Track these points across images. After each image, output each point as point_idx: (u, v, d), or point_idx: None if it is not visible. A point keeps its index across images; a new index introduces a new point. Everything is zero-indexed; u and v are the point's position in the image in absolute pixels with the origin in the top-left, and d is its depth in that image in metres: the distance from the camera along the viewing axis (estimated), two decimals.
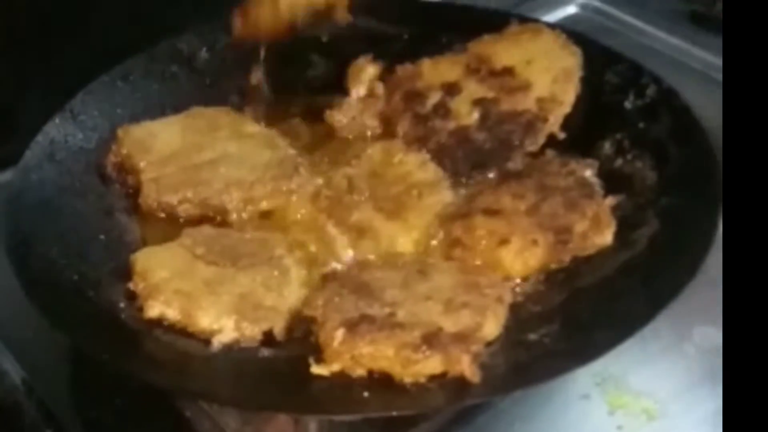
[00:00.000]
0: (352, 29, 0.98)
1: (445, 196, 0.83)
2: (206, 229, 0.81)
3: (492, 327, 0.69)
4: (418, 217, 0.81)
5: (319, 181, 0.85)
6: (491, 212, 0.78)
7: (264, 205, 0.84)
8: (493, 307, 0.70)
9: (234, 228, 0.82)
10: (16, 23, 0.98)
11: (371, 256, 0.79)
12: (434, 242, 0.80)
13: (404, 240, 0.80)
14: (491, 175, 0.84)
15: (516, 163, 0.85)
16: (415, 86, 0.91)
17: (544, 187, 0.80)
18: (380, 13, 1.00)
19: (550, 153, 0.85)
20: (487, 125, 0.87)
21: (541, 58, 0.91)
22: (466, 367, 0.65)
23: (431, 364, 0.66)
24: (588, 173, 0.82)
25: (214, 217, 0.83)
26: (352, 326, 0.68)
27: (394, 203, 0.82)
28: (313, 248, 0.81)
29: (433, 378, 0.66)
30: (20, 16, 0.98)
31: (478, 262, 0.76)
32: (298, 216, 0.83)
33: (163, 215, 0.84)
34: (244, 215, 0.83)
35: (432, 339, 0.67)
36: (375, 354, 0.67)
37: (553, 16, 1.21)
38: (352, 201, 0.83)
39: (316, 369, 0.68)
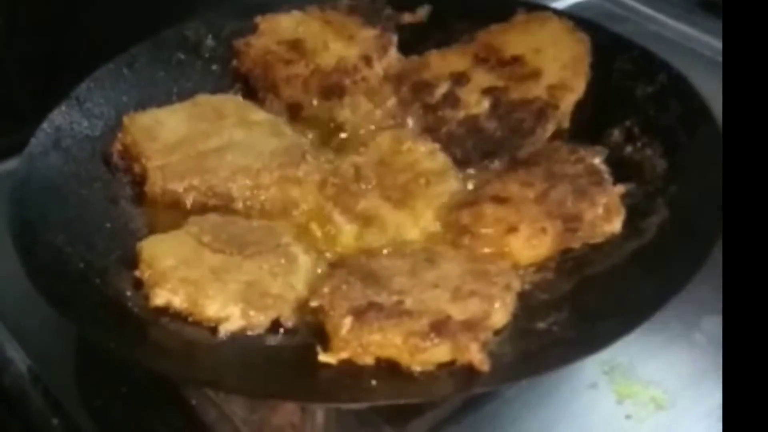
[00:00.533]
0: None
1: (452, 185, 0.82)
2: (212, 217, 0.80)
3: (500, 315, 0.69)
4: (425, 205, 0.81)
5: (327, 168, 0.85)
6: (500, 200, 0.78)
7: (271, 192, 0.83)
8: (501, 296, 0.70)
9: (240, 216, 0.82)
10: (22, 12, 0.98)
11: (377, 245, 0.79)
12: (442, 230, 0.79)
13: (411, 228, 0.80)
14: (501, 163, 0.84)
15: (526, 151, 0.84)
16: (423, 77, 0.91)
17: (553, 174, 0.79)
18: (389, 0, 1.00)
19: (558, 140, 0.85)
20: (497, 114, 0.87)
21: (550, 46, 0.90)
22: (474, 355, 0.65)
23: (440, 352, 0.66)
24: (597, 161, 0.81)
25: (220, 205, 0.83)
26: (360, 314, 0.68)
27: (402, 192, 0.82)
28: (319, 236, 0.80)
29: (441, 366, 0.66)
30: (24, 4, 0.98)
31: (486, 250, 0.76)
32: (305, 204, 0.83)
33: (169, 203, 0.83)
34: (251, 203, 0.83)
35: (440, 327, 0.66)
36: (383, 342, 0.66)
37: (563, 2, 1.20)
38: (359, 189, 0.83)
39: (324, 357, 0.67)
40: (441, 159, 0.84)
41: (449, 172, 0.83)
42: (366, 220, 0.81)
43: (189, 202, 0.83)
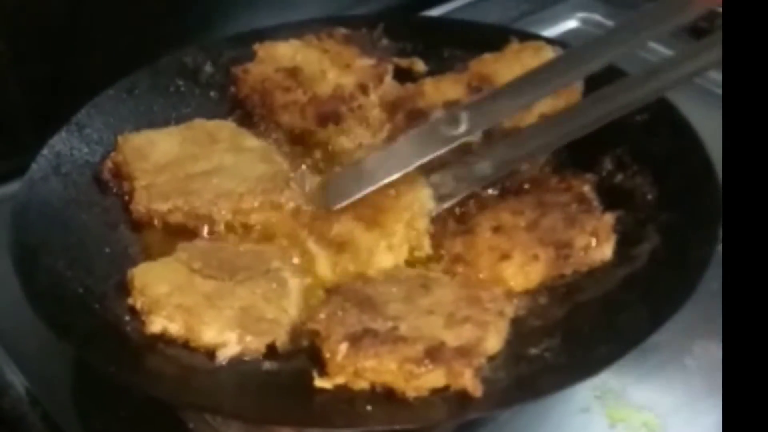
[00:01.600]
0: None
1: (423, 195, 0.82)
2: (200, 243, 0.81)
3: (494, 341, 0.70)
4: (395, 220, 0.81)
5: (304, 194, 0.85)
6: (492, 228, 0.79)
7: (252, 217, 0.84)
8: (494, 322, 0.70)
9: (222, 239, 0.82)
10: (23, 39, 0.99)
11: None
12: (418, 253, 0.80)
13: (384, 252, 0.79)
14: (494, 191, 0.85)
15: (520, 178, 0.85)
16: (418, 105, 0.92)
17: (543, 203, 0.80)
18: (381, 27, 1.02)
19: (547, 169, 0.86)
20: (491, 141, 0.88)
21: None
22: (468, 381, 0.66)
23: (433, 378, 0.67)
24: (586, 188, 0.82)
25: (202, 228, 0.83)
26: (356, 340, 0.68)
27: (372, 208, 0.81)
28: (298, 263, 0.80)
29: (435, 391, 0.67)
30: (26, 31, 0.99)
31: (480, 277, 0.76)
32: (283, 231, 0.83)
33: (156, 224, 0.84)
34: (233, 227, 0.83)
35: (434, 353, 0.67)
36: (378, 368, 0.67)
37: (555, 30, 1.21)
38: (332, 213, 0.83)
39: (320, 382, 0.68)
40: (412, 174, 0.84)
41: (418, 179, 0.83)
42: (339, 246, 0.80)
43: (172, 222, 0.83)
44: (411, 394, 0.67)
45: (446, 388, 0.67)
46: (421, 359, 0.67)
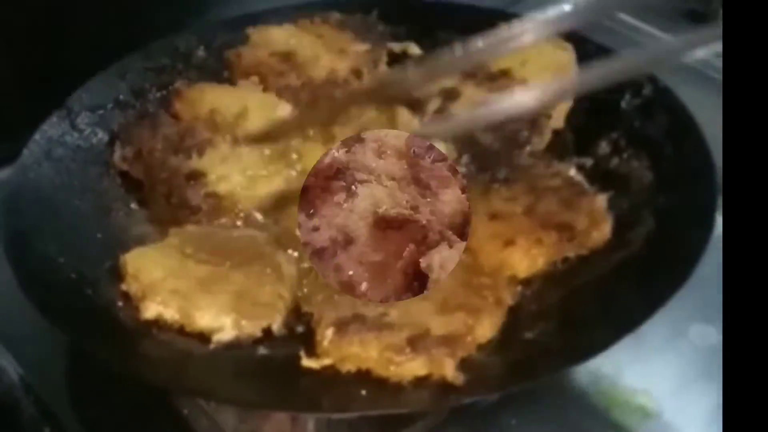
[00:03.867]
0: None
1: None
2: (192, 228, 0.80)
3: (486, 330, 0.69)
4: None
5: None
6: (489, 216, 0.78)
7: None
8: (489, 310, 0.70)
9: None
10: (15, 21, 0.98)
11: None
12: None
13: None
14: (501, 175, 0.84)
15: (524, 161, 0.85)
16: (413, 94, 0.91)
17: (535, 189, 0.80)
18: (376, 12, 1.01)
19: (530, 158, 0.86)
20: (491, 126, 0.87)
21: (535, 57, 0.91)
22: (448, 370, 0.65)
23: (413, 367, 0.66)
24: (572, 172, 0.82)
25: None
26: (343, 326, 0.68)
27: None
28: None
29: (425, 377, 0.66)
30: (19, 13, 0.98)
31: (485, 264, 0.75)
32: None
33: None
34: None
35: (417, 341, 0.66)
36: (361, 354, 0.67)
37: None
38: None
39: (307, 362, 0.68)
40: None
41: None
42: None
43: None
44: (394, 380, 0.66)
45: (430, 376, 0.66)
46: (403, 347, 0.66)
